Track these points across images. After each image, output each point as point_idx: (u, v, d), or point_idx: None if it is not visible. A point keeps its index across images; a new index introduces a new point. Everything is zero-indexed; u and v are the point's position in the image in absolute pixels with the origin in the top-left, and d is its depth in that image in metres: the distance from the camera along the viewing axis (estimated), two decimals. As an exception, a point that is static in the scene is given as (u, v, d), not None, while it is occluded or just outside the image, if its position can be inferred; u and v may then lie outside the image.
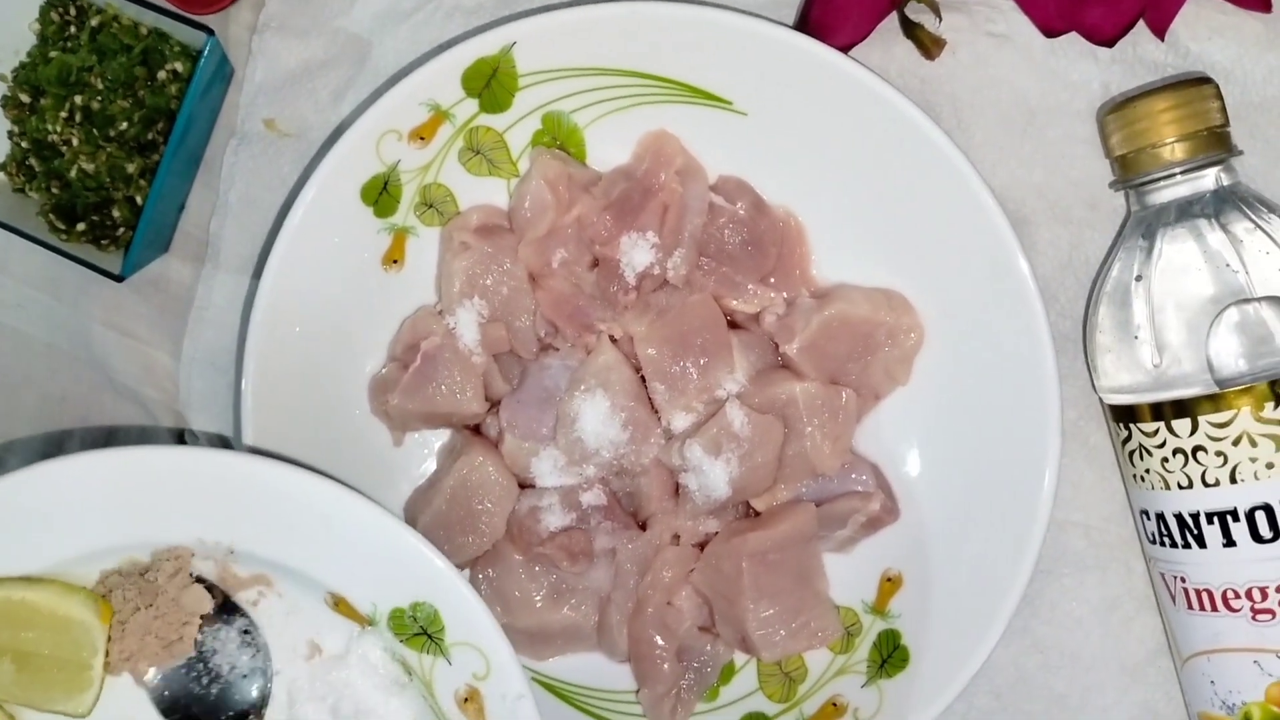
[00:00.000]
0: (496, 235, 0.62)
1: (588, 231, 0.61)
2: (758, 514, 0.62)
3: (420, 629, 0.55)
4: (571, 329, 0.62)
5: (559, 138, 0.62)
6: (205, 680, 0.58)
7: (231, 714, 0.57)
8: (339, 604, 0.56)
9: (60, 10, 0.67)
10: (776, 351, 0.61)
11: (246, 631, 0.58)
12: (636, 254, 0.60)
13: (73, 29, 0.66)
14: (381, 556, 0.55)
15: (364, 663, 0.57)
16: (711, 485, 0.59)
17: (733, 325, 0.62)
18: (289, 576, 0.57)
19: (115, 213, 0.67)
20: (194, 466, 0.55)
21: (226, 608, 0.57)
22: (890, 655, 0.59)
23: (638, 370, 0.62)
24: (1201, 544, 0.53)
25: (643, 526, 0.62)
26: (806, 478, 0.61)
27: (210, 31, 0.63)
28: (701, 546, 0.61)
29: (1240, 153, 0.55)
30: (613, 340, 0.62)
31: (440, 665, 0.55)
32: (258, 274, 0.61)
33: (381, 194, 0.61)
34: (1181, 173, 0.54)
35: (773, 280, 0.62)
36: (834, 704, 0.59)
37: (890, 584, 0.60)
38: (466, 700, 0.55)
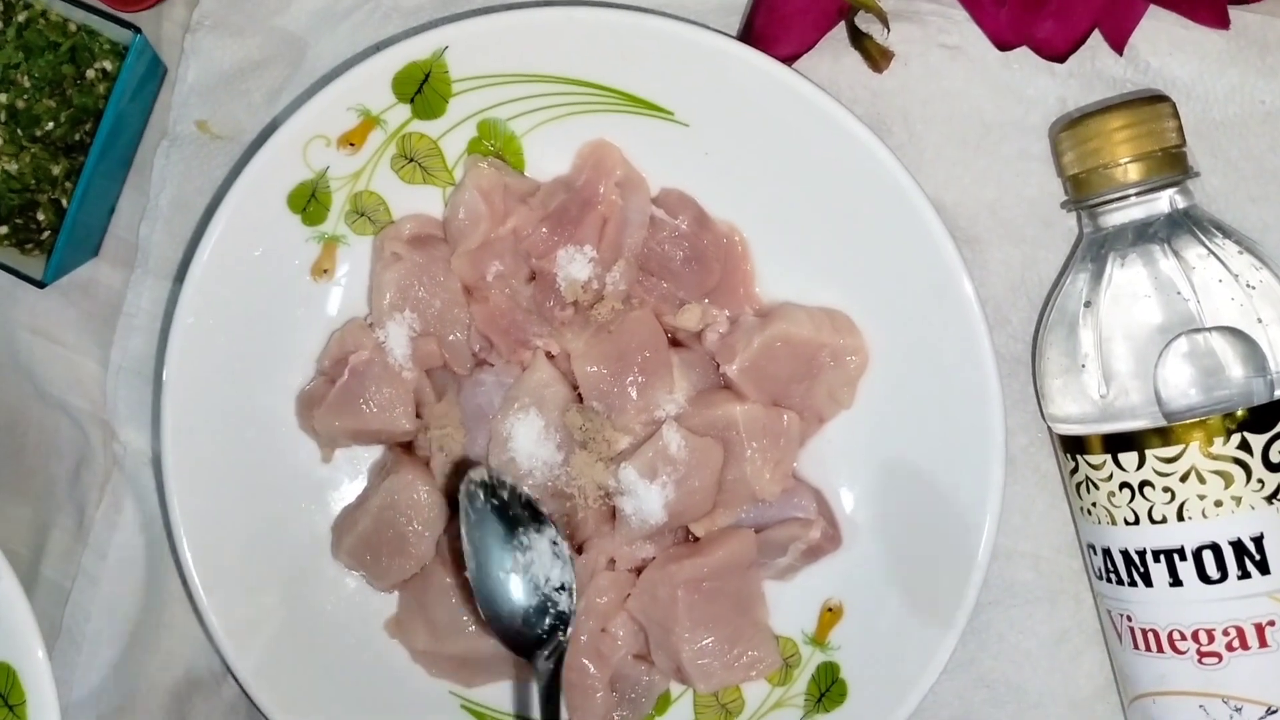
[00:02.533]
0: (430, 246, 0.60)
1: (524, 244, 0.59)
2: (697, 539, 0.59)
3: None
4: (506, 344, 0.60)
5: (495, 145, 0.60)
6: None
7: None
8: None
9: (-16, 5, 0.64)
10: (718, 371, 0.59)
11: (555, 543, 0.55)
12: (574, 268, 0.58)
13: (-3, 24, 0.64)
14: None
15: None
16: (647, 510, 0.57)
17: (674, 343, 0.60)
18: None
19: (40, 215, 0.64)
20: None
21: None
22: (829, 688, 0.57)
23: (574, 389, 0.59)
24: (1148, 582, 0.51)
25: (579, 550, 0.60)
26: (746, 503, 0.58)
27: (137, 30, 0.60)
28: (639, 572, 0.59)
29: (1197, 174, 0.53)
30: (549, 357, 0.60)
31: None
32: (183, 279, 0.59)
33: (310, 201, 0.59)
34: (1135, 194, 0.52)
35: (714, 297, 0.60)
36: (770, 738, 0.57)
37: (831, 614, 0.58)
38: None
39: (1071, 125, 0.54)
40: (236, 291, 0.59)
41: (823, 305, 0.58)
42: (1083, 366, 0.51)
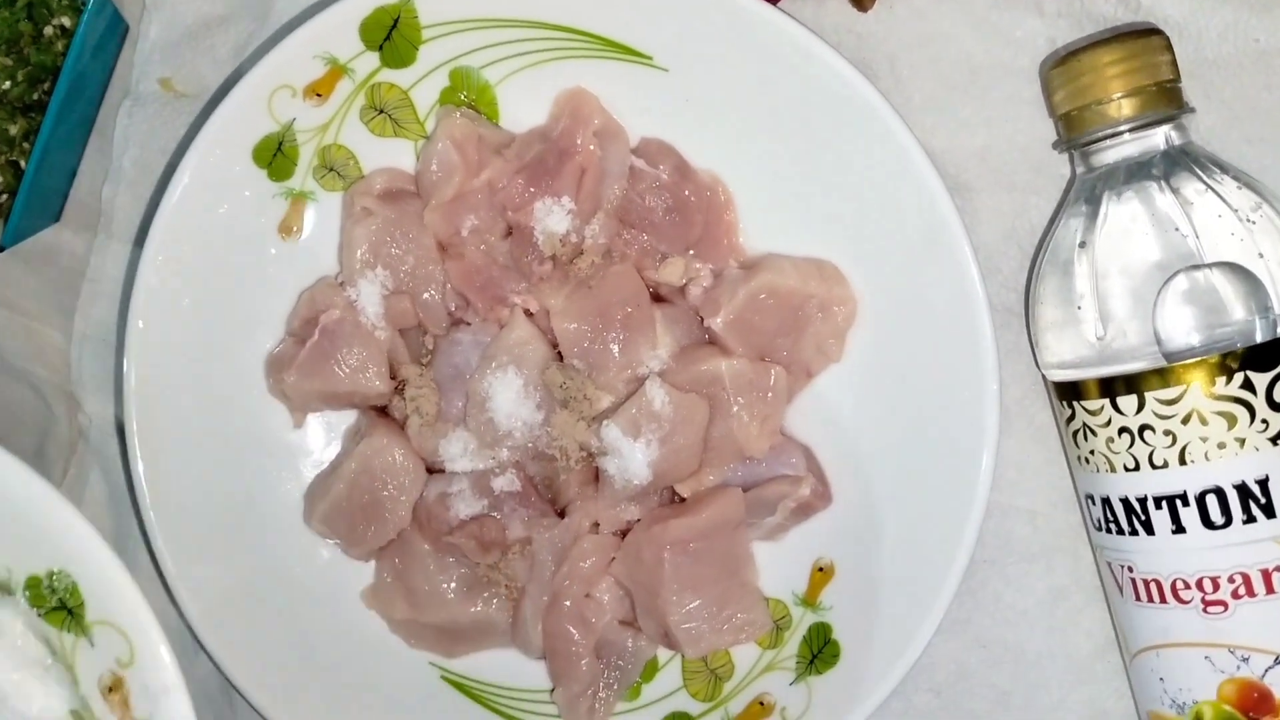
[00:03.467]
0: (402, 201, 0.58)
1: (499, 196, 0.57)
2: (683, 500, 0.58)
3: (59, 602, 0.48)
4: (483, 302, 0.58)
5: (469, 95, 0.58)
6: None
7: None
8: None
9: (-65, -41, 0.62)
10: (702, 326, 0.57)
11: None
12: (552, 220, 0.56)
13: (-52, -21, 0.62)
14: (12, 511, 0.48)
15: (1, 638, 0.49)
16: (631, 469, 0.55)
17: (656, 298, 0.58)
18: None
19: (-4, 178, 0.62)
20: None
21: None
22: (820, 650, 0.55)
23: (554, 346, 0.57)
24: (1149, 530, 0.49)
25: (561, 514, 0.58)
26: (733, 461, 0.57)
27: (95, -18, 0.58)
28: (623, 535, 0.57)
29: (1192, 110, 0.51)
30: (528, 314, 0.58)
31: (82, 647, 0.48)
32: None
33: (276, 155, 0.57)
34: (1129, 131, 0.50)
35: (698, 250, 0.58)
36: (760, 702, 0.55)
37: (822, 574, 0.56)
38: (111, 689, 0.48)
39: (1062, 62, 0.52)
40: (201, 252, 0.57)
41: (810, 255, 0.56)
42: (1078, 309, 0.50)
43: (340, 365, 0.57)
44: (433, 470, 0.58)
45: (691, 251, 0.58)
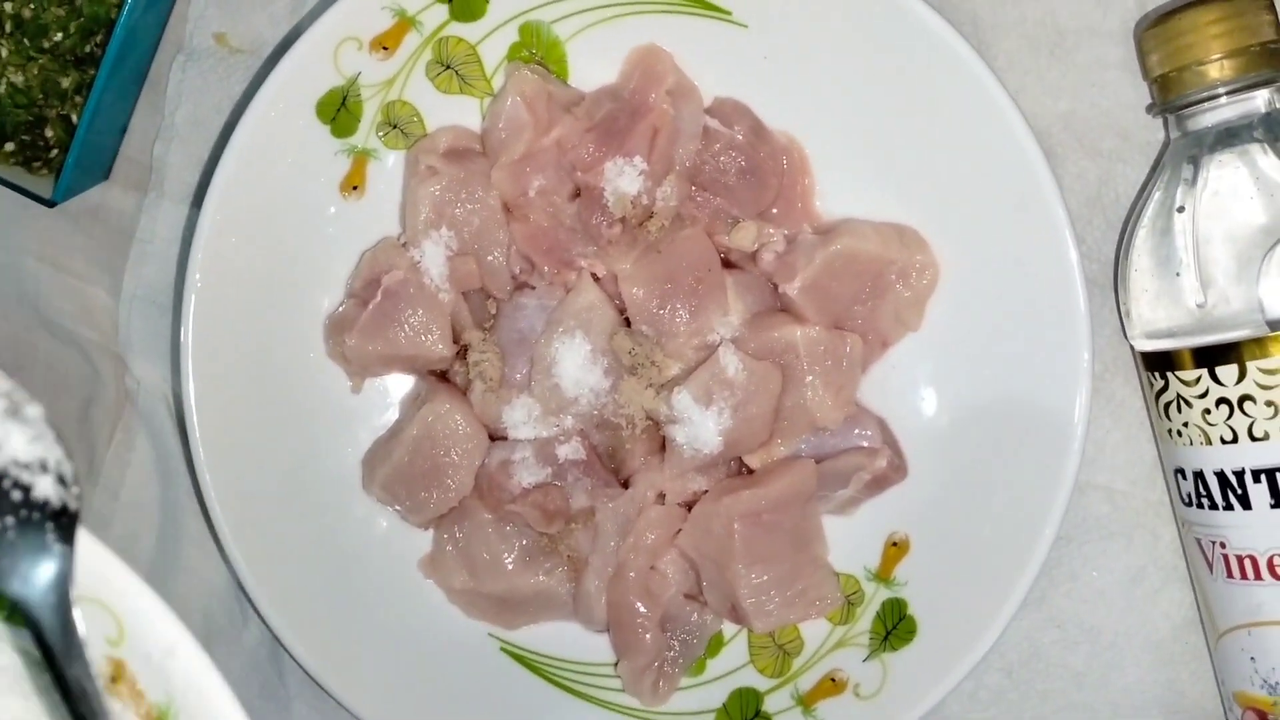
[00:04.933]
0: (468, 160, 0.56)
1: (568, 156, 0.55)
2: (751, 471, 0.56)
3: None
4: (549, 265, 0.56)
5: (538, 51, 0.56)
6: None
7: None
8: None
9: (-12, -94, 0.60)
10: (775, 293, 0.56)
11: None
12: (623, 181, 0.55)
13: (1, -73, 0.60)
14: None
15: None
16: (701, 438, 0.54)
17: (726, 264, 0.56)
18: None
19: (48, 132, 0.61)
20: None
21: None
22: (895, 626, 0.54)
23: (621, 312, 0.56)
24: (1245, 505, 0.48)
25: (625, 485, 0.57)
26: (806, 432, 0.55)
27: (152, -70, 0.57)
28: (689, 506, 0.56)
29: (1295, 72, 0.49)
30: (595, 278, 0.56)
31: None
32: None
33: (340, 110, 0.55)
34: (1227, 93, 0.49)
35: (773, 214, 0.56)
36: (832, 679, 0.54)
37: (896, 549, 0.55)
38: (114, 680, 0.41)
39: (1160, 22, 0.50)
40: (260, 209, 0.55)
41: (888, 220, 0.55)
42: (1177, 275, 0.48)
43: (402, 328, 0.55)
44: (494, 437, 0.57)
45: (763, 216, 0.56)
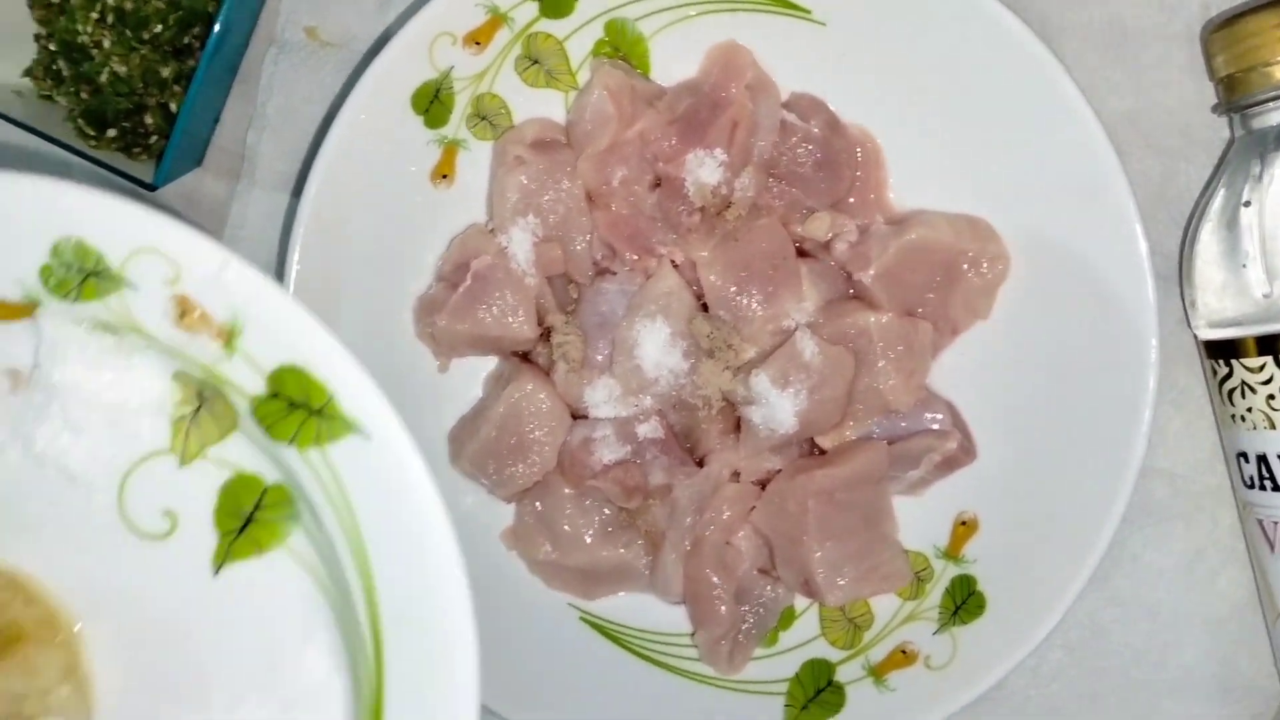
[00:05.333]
0: (553, 151, 0.59)
1: (651, 148, 0.58)
2: (823, 452, 0.58)
3: (79, 270, 0.45)
4: (631, 251, 0.58)
5: (621, 48, 0.58)
6: None
7: None
8: None
9: (93, -97, 0.63)
10: (847, 282, 0.58)
11: None
12: (703, 172, 0.57)
13: (106, -77, 0.63)
14: None
15: (58, 350, 0.46)
16: (777, 419, 0.56)
17: (800, 253, 0.59)
18: None
19: (148, 119, 0.63)
20: None
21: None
22: (965, 601, 0.56)
23: (699, 297, 0.58)
24: (1308, 487, 0.50)
25: (700, 463, 0.59)
26: (877, 414, 0.57)
27: (250, -72, 0.59)
28: (762, 485, 0.58)
29: (1360, 72, 0.51)
30: (674, 265, 0.59)
31: (129, 296, 0.45)
32: (297, 192, 0.58)
33: (433, 102, 0.58)
34: (1294, 94, 0.51)
35: (846, 205, 0.58)
36: (903, 651, 0.56)
37: (965, 528, 0.57)
38: (182, 316, 0.45)
39: (1226, 24, 0.52)
40: (357, 196, 0.57)
41: (960, 212, 0.57)
42: (1243, 266, 0.50)
43: (490, 310, 0.58)
44: (575, 416, 0.59)
45: (839, 207, 0.58)
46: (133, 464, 0.48)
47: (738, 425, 0.58)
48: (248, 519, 0.47)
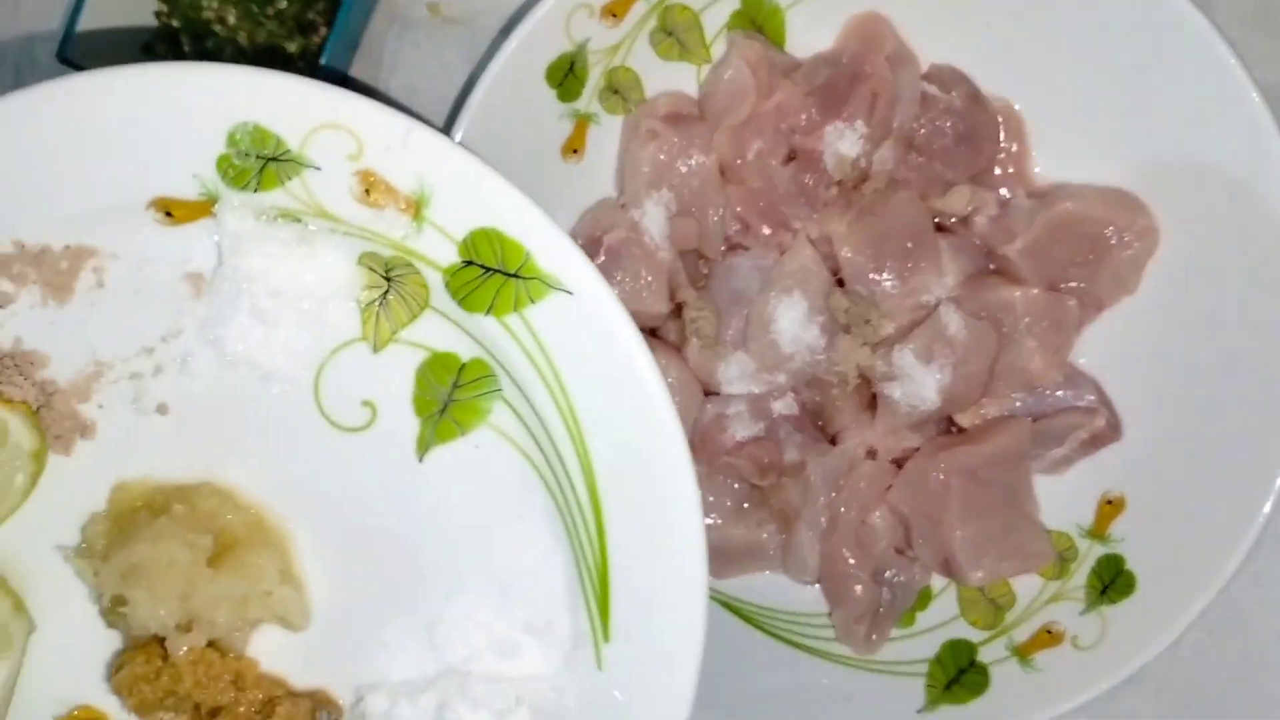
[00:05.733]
0: (687, 124, 0.58)
1: (788, 120, 0.57)
2: (960, 430, 0.57)
3: (258, 158, 0.45)
4: (766, 226, 0.58)
5: (757, 20, 0.58)
6: None
7: None
8: (170, 210, 0.46)
9: (219, -121, 0.63)
10: (987, 257, 0.57)
11: None
12: (843, 145, 0.56)
13: (233, -102, 0.63)
14: (168, 113, 0.44)
15: (242, 245, 0.46)
16: (919, 395, 0.55)
17: (937, 228, 0.58)
18: (107, 226, 0.47)
19: (272, 97, 0.63)
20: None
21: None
22: (1113, 581, 0.55)
23: (835, 273, 0.57)
24: None
25: (831, 441, 0.58)
26: (1020, 391, 0.56)
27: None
28: (898, 464, 0.57)
29: None
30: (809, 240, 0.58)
31: (310, 178, 0.45)
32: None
33: (567, 75, 0.57)
34: None
35: (983, 178, 0.58)
36: (1049, 631, 0.55)
37: (1111, 507, 0.56)
38: (367, 192, 0.45)
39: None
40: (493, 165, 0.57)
41: (1106, 185, 0.56)
42: None
43: (622, 285, 0.57)
44: (707, 393, 0.58)
45: (976, 180, 0.57)
46: (326, 355, 0.48)
47: (872, 402, 0.57)
48: (447, 400, 0.46)
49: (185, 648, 0.47)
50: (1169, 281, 0.55)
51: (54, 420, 0.49)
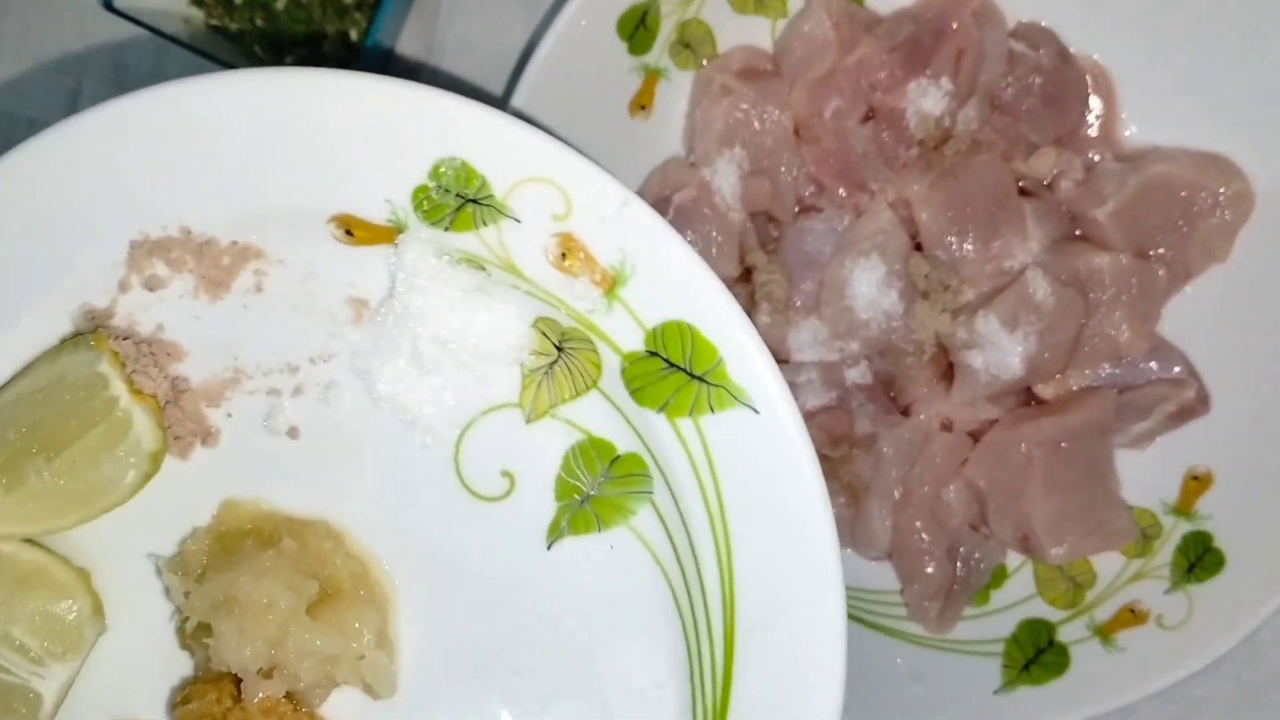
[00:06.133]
0: (761, 80, 0.56)
1: (870, 76, 0.55)
2: (1039, 402, 0.55)
3: (458, 196, 0.42)
4: (841, 187, 0.56)
5: (838, -28, 0.56)
6: None
7: None
8: (352, 229, 0.44)
9: None
10: (1072, 222, 0.55)
11: None
12: (926, 103, 0.54)
13: None
14: (372, 131, 0.42)
15: (417, 282, 0.43)
16: (1002, 363, 0.53)
17: (1020, 191, 0.56)
18: (282, 231, 0.44)
19: (326, 48, 0.61)
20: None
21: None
22: (1200, 558, 0.53)
23: (913, 237, 0.55)
24: None
25: (904, 412, 0.56)
26: (1104, 362, 0.54)
27: None
28: (974, 437, 0.55)
29: None
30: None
31: (507, 229, 0.42)
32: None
33: (639, 28, 0.55)
34: None
35: (1068, 141, 0.55)
36: (1132, 610, 0.53)
37: (1197, 483, 0.54)
38: (564, 256, 0.42)
39: None
40: (557, 124, 0.55)
41: (1199, 149, 0.54)
42: None
43: (694, 245, 0.55)
44: (776, 360, 0.56)
45: (1060, 142, 0.55)
46: (476, 415, 0.44)
47: (948, 372, 0.55)
48: (592, 490, 0.43)
49: (261, 694, 0.43)
50: (1262, 250, 0.53)
51: (178, 419, 0.45)
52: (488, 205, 0.42)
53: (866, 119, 0.56)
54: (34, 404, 0.44)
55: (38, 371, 0.45)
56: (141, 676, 0.46)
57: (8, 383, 0.45)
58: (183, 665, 0.46)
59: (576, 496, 0.44)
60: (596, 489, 0.44)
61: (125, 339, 0.45)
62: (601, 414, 0.43)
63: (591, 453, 0.43)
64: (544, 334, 0.43)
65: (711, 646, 0.41)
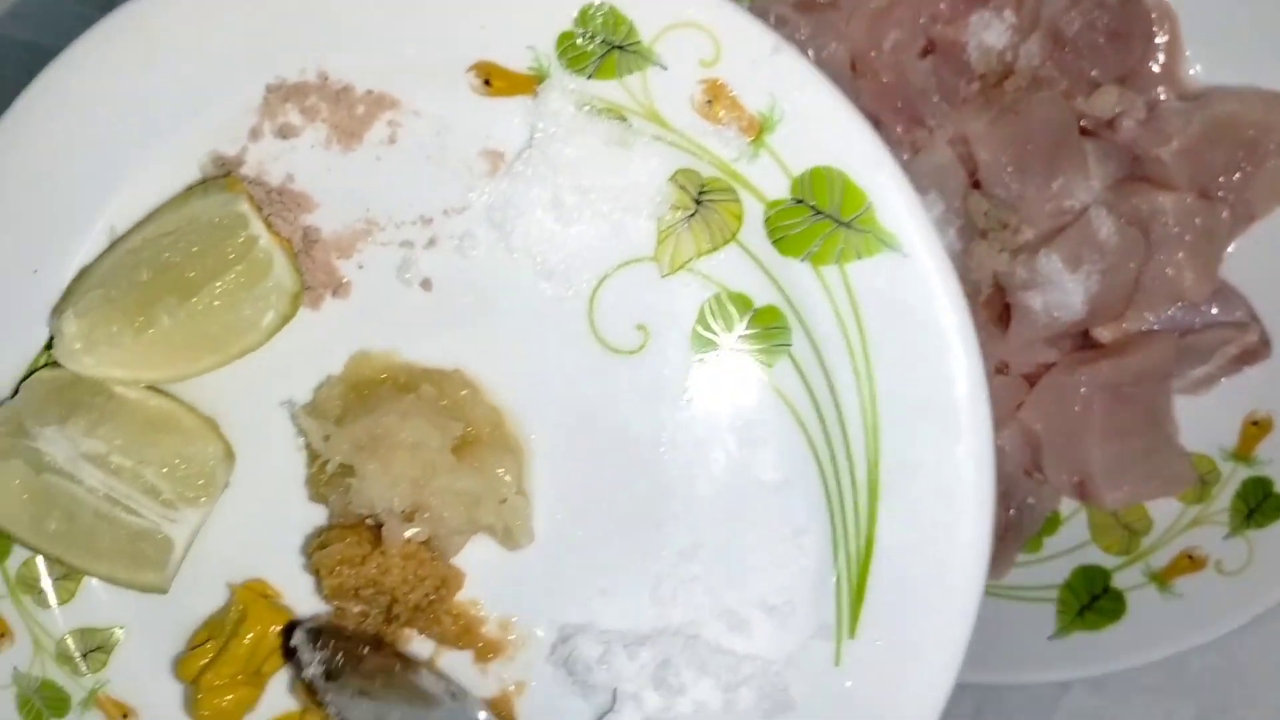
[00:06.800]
0: (818, 11, 0.54)
1: (930, 9, 0.53)
2: (1097, 346, 0.54)
3: (604, 42, 0.41)
4: (898, 123, 0.54)
5: (898, -99, 0.54)
6: None
7: None
8: (491, 78, 0.43)
9: None
10: (1133, 162, 0.54)
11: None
12: (988, 35, 0.53)
13: None
14: None
15: (558, 132, 0.42)
16: (1064, 304, 0.52)
17: (1081, 132, 0.54)
18: (418, 80, 0.44)
19: None
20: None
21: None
22: (1260, 504, 0.52)
23: (972, 175, 0.54)
24: None
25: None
26: (1165, 304, 0.53)
27: None
28: (1029, 380, 0.54)
29: None
30: (943, 139, 0.54)
31: (652, 76, 0.41)
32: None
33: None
34: None
35: (1130, 79, 0.54)
36: (1190, 556, 0.53)
37: (1257, 428, 0.53)
38: (710, 103, 0.41)
39: None
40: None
41: (1265, 89, 0.53)
42: None
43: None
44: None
45: (1121, 81, 0.54)
46: (612, 268, 0.43)
47: (1004, 314, 0.54)
48: (729, 344, 0.43)
49: (404, 538, 0.43)
50: (1329, 192, 0.53)
51: (309, 270, 0.44)
52: (634, 51, 0.41)
53: (925, 53, 0.55)
54: (164, 246, 0.43)
55: (165, 216, 0.43)
56: (268, 528, 0.46)
57: (133, 228, 0.44)
58: (313, 517, 0.46)
59: (712, 350, 0.43)
60: (733, 344, 0.43)
61: (256, 186, 0.44)
62: (739, 267, 0.43)
63: (728, 306, 0.43)
64: (682, 187, 0.42)
65: (855, 492, 0.42)
